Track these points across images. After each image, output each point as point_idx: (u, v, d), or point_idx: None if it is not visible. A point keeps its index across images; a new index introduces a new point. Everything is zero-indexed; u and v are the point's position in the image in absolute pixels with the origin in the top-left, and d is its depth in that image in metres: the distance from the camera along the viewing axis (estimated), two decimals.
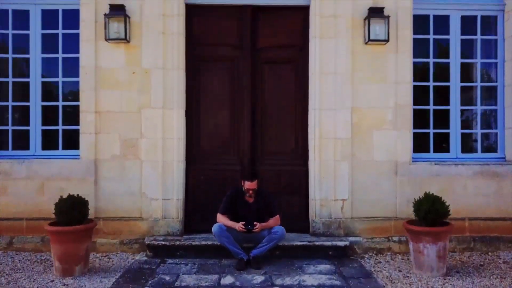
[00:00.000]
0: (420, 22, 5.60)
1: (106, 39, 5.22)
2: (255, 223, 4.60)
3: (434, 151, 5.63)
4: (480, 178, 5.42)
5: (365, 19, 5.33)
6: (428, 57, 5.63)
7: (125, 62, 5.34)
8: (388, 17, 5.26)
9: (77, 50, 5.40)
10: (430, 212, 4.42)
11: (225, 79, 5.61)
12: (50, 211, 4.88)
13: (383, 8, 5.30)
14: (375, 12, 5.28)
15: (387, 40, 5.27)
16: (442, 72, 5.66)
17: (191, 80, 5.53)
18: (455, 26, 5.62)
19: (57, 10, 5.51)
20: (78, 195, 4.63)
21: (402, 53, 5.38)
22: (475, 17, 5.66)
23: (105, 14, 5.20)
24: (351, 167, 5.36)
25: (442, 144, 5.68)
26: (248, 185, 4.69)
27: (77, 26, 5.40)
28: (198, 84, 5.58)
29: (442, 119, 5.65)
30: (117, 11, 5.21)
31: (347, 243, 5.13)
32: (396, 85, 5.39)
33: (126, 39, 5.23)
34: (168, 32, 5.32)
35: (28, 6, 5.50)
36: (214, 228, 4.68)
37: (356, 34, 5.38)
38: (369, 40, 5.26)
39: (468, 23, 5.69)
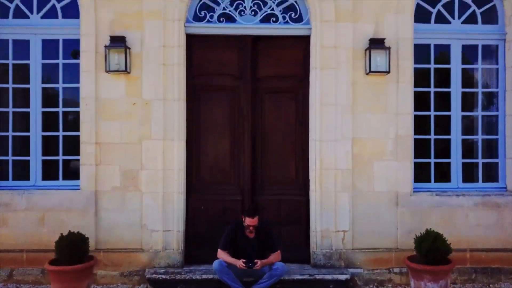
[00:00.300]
0: (421, 51, 5.60)
1: (106, 71, 5.21)
2: (256, 260, 4.59)
3: (435, 180, 5.62)
4: (481, 209, 5.42)
5: (366, 50, 5.32)
6: (429, 86, 5.62)
7: (125, 93, 5.34)
8: (389, 48, 5.25)
9: (77, 80, 5.41)
10: (431, 250, 4.42)
11: (226, 109, 5.60)
12: (50, 242, 4.91)
13: (383, 39, 5.29)
14: (376, 44, 5.27)
15: (388, 72, 5.26)
16: (443, 101, 5.65)
17: (192, 110, 5.52)
18: (456, 55, 5.61)
19: (58, 40, 5.51)
20: (78, 232, 4.63)
21: (403, 84, 5.38)
22: (476, 46, 5.65)
23: (105, 46, 5.20)
24: (352, 198, 5.35)
25: (443, 173, 5.67)
26: (248, 221, 4.68)
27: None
28: (198, 114, 5.57)
29: (443, 148, 5.64)
30: (118, 42, 5.20)
31: (348, 276, 5.11)
32: (396, 116, 5.38)
33: (126, 71, 5.22)
34: (169, 63, 5.31)
35: (28, 36, 5.49)
36: (215, 264, 4.68)
37: (357, 64, 5.38)
38: (370, 71, 5.26)
39: (469, 52, 5.69)
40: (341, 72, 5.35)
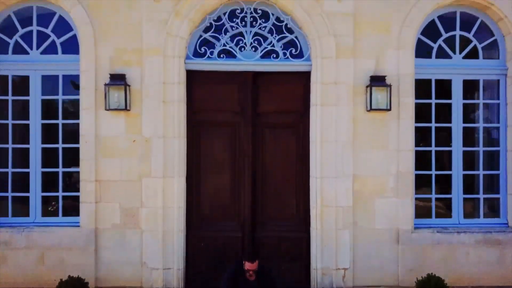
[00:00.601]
0: (422, 86, 5.58)
1: (106, 109, 5.19)
2: None
3: (436, 215, 5.61)
4: (483, 246, 5.39)
5: (367, 87, 5.30)
6: (430, 120, 5.59)
7: (125, 130, 5.32)
8: (389, 85, 5.23)
9: (77, 115, 5.39)
10: None
11: (226, 144, 5.58)
12: (50, 281, 4.94)
13: (384, 76, 5.27)
14: (377, 81, 5.25)
15: (389, 109, 5.24)
16: (444, 136, 5.64)
17: (192, 145, 5.50)
18: (457, 90, 5.59)
19: (57, 76, 5.49)
20: (78, 276, 4.62)
21: (404, 120, 5.36)
22: (477, 81, 5.63)
23: (105, 84, 5.18)
24: (353, 236, 5.33)
25: (444, 208, 5.66)
26: (248, 265, 4.65)
27: (77, 92, 5.39)
28: (198, 149, 5.55)
29: (444, 183, 5.62)
30: (118, 80, 5.19)
31: None
32: (397, 152, 5.36)
33: (126, 109, 5.20)
34: (169, 100, 5.29)
35: (28, 72, 5.47)
36: None
37: (357, 100, 5.36)
38: (371, 109, 5.24)
39: (470, 87, 5.67)
40: (342, 109, 5.33)
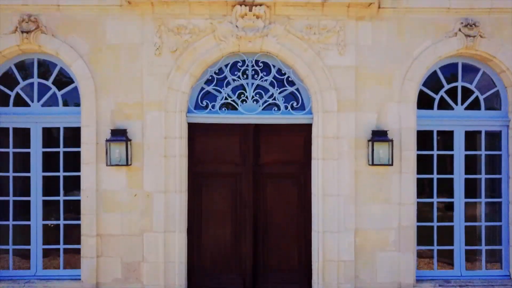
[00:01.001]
0: (423, 137, 5.57)
1: (107, 165, 5.17)
2: None
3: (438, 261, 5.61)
4: None
5: (368, 141, 5.29)
6: (432, 173, 5.59)
7: (126, 185, 5.31)
8: (391, 140, 5.22)
9: (78, 167, 5.39)
10: None
11: (227, 195, 5.56)
12: None
13: (386, 131, 5.26)
14: (379, 136, 5.24)
15: (391, 165, 5.23)
16: (446, 187, 5.62)
17: (193, 197, 5.50)
18: (459, 141, 5.57)
19: (58, 128, 5.48)
20: None
21: (406, 174, 5.34)
22: (479, 132, 5.62)
23: (106, 140, 5.17)
24: None
25: (446, 259, 5.65)
26: None
27: (78, 143, 5.38)
28: (199, 201, 5.53)
29: (446, 233, 5.61)
30: (119, 136, 5.18)
31: None
32: (399, 206, 5.35)
33: (127, 164, 5.19)
34: (170, 154, 5.28)
35: (29, 124, 5.46)
36: None
37: (359, 154, 5.35)
38: (373, 164, 5.23)
39: (472, 137, 5.66)
40: (343, 163, 5.32)
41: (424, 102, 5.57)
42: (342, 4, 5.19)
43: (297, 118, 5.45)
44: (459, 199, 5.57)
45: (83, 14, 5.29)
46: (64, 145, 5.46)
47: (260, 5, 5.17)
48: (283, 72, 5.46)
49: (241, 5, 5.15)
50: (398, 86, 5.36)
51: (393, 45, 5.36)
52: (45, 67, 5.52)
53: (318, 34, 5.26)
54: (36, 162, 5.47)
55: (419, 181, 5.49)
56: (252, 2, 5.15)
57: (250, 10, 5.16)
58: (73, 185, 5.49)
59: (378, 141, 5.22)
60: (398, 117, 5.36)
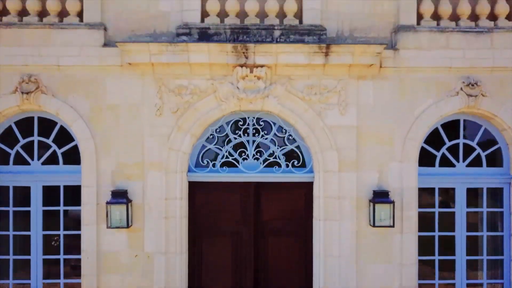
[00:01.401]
0: (425, 194, 5.56)
1: (108, 227, 5.15)
2: None
3: None
4: None
5: (370, 201, 5.27)
6: (433, 230, 5.57)
7: (127, 246, 5.29)
8: (393, 202, 5.20)
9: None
10: None
11: (228, 253, 5.53)
12: None
13: (388, 192, 5.24)
14: (380, 197, 5.22)
15: (392, 226, 5.21)
16: (448, 244, 5.61)
17: (193, 256, 5.48)
18: (460, 198, 5.55)
19: (58, 187, 5.46)
20: None
21: (407, 234, 5.33)
22: (481, 189, 5.60)
23: (107, 202, 5.15)
24: None
25: None
26: None
27: (78, 202, 5.36)
28: (200, 259, 5.51)
29: None
30: (119, 198, 5.16)
31: None
32: (401, 266, 5.33)
33: (128, 226, 5.17)
34: (171, 215, 5.27)
35: (29, 183, 5.45)
36: None
37: (360, 214, 5.33)
38: (374, 225, 5.21)
39: (473, 194, 5.64)
40: (345, 223, 5.30)
41: (425, 158, 5.54)
42: (344, 65, 5.17)
43: (298, 177, 5.44)
44: (460, 257, 5.55)
45: (84, 74, 5.27)
46: (64, 202, 5.45)
47: (261, 66, 5.15)
48: (284, 130, 5.44)
49: (242, 67, 5.13)
50: (399, 146, 5.35)
51: (395, 104, 5.35)
52: (46, 124, 5.49)
53: (319, 94, 5.25)
54: (36, 220, 5.45)
55: (420, 237, 5.47)
56: (253, 63, 5.13)
57: (251, 71, 5.15)
58: (74, 245, 5.47)
59: (380, 202, 5.20)
60: (400, 177, 5.34)
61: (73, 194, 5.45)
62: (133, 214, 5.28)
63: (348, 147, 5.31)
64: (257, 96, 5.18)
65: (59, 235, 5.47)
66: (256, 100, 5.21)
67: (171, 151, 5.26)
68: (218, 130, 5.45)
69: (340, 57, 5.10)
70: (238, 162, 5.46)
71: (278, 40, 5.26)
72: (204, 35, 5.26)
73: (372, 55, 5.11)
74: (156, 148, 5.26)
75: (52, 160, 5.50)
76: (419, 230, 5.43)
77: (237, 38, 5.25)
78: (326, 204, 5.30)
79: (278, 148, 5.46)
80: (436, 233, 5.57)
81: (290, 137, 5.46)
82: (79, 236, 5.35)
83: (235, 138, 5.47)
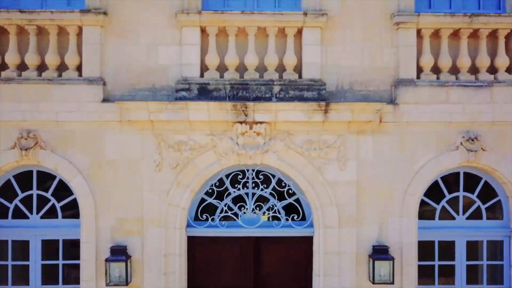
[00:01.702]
0: (425, 247, 5.54)
1: (107, 284, 5.13)
2: None
3: None
4: None
5: (369, 257, 5.26)
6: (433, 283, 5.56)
7: None
8: (393, 259, 5.18)
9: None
10: None
11: None
12: None
13: (387, 249, 5.23)
14: (380, 253, 5.21)
15: (392, 283, 5.19)
16: None
17: None
18: (460, 251, 5.54)
19: (57, 241, 5.45)
20: None
21: None
22: (481, 241, 5.59)
23: (106, 260, 5.13)
24: None
25: None
26: None
27: (77, 255, 5.35)
28: None
29: None
30: (119, 255, 5.14)
31: None
32: None
33: (127, 284, 5.15)
34: (170, 271, 5.26)
35: (28, 237, 5.43)
36: None
37: (360, 269, 5.32)
38: (374, 282, 5.19)
39: (473, 247, 5.63)
40: (345, 279, 5.29)
41: (425, 210, 5.54)
42: (343, 121, 5.16)
43: (298, 232, 5.42)
44: None
45: (83, 129, 5.26)
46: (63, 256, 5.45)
47: (261, 123, 5.14)
48: (284, 183, 5.43)
49: (241, 123, 5.12)
50: (399, 200, 5.34)
51: (395, 158, 5.34)
52: (45, 177, 5.48)
53: (319, 149, 5.23)
54: (35, 275, 5.43)
55: None
56: (253, 121, 5.12)
57: (251, 128, 5.14)
58: None
59: (379, 259, 5.18)
60: (400, 232, 5.34)
61: (73, 246, 5.45)
62: (133, 269, 5.26)
63: (348, 203, 5.30)
64: (257, 152, 5.16)
65: None
66: (255, 156, 5.20)
67: (170, 207, 5.25)
68: (217, 184, 5.43)
69: (340, 114, 5.09)
70: (237, 216, 5.45)
71: (278, 95, 5.25)
72: (204, 91, 5.25)
73: (372, 112, 5.11)
74: (155, 204, 5.25)
75: (51, 212, 5.48)
76: (419, 284, 5.43)
77: (237, 94, 5.24)
78: (326, 259, 5.29)
79: (278, 202, 5.44)
80: (436, 287, 5.55)
81: (290, 191, 5.45)
82: None
83: (234, 192, 5.45)
